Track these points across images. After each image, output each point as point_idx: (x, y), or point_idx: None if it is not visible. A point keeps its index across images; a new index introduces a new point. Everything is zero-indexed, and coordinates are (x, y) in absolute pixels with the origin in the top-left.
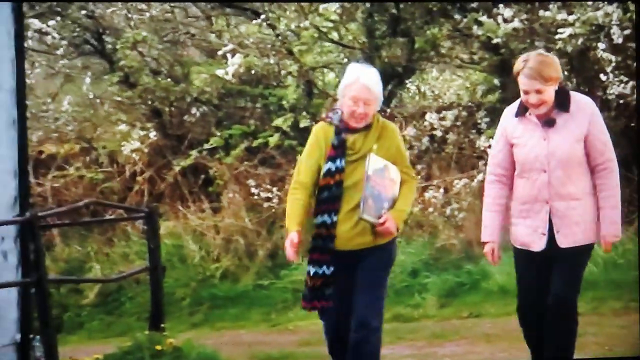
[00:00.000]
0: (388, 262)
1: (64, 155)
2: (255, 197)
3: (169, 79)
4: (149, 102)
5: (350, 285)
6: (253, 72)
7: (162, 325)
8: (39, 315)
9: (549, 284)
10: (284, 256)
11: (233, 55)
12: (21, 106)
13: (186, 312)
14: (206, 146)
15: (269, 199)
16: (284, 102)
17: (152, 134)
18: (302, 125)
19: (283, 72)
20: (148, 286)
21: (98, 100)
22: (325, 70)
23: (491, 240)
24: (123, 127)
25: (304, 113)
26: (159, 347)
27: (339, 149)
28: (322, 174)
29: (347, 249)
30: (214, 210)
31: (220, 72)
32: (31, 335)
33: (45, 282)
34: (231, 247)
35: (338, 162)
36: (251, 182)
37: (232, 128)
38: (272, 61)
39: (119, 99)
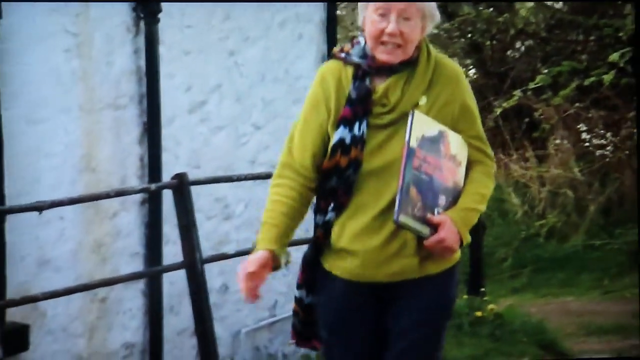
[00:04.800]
0: (447, 303)
1: None
2: (587, 143)
3: (491, 9)
4: (469, 35)
5: (378, 345)
6: None
7: (482, 289)
8: None
9: None
10: (620, 213)
11: None
12: (331, 40)
13: (507, 275)
14: (531, 85)
15: (602, 146)
16: (621, 34)
17: (471, 72)
18: None
19: None
20: (466, 245)
21: None
22: None
23: None
24: None
25: None
26: (479, 314)
27: (358, 105)
28: (329, 148)
29: (373, 280)
30: (539, 159)
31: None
32: None
33: None
34: (558, 201)
35: (357, 127)
36: (582, 126)
37: (561, 64)
38: None
39: (435, 31)
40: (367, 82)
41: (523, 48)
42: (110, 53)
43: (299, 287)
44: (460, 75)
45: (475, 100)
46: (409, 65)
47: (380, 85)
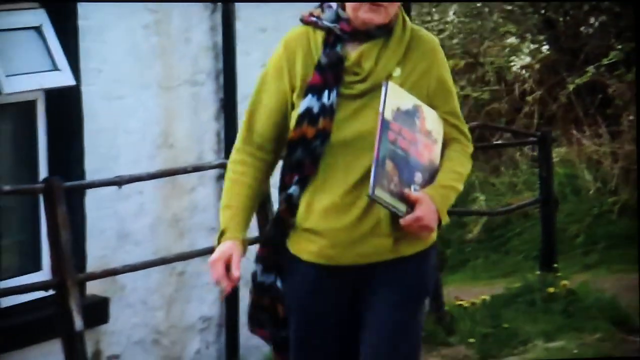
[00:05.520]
0: (422, 286)
1: None
2: None
3: None
4: (542, 11)
5: (352, 333)
6: None
7: (555, 265)
8: None
9: None
10: None
11: None
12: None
13: (579, 251)
14: (605, 61)
15: None
16: None
17: (544, 48)
18: None
19: None
20: (538, 221)
21: (486, 9)
22: None
23: None
24: (512, 39)
25: None
26: (551, 290)
27: (329, 72)
28: (294, 117)
29: (343, 262)
30: (612, 135)
31: None
32: None
33: None
34: (631, 177)
35: (326, 96)
36: None
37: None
38: None
39: (509, 7)
40: (339, 48)
41: (597, 24)
42: (188, 29)
43: (256, 260)
44: (437, 47)
45: (451, 75)
46: (385, 32)
47: (353, 52)
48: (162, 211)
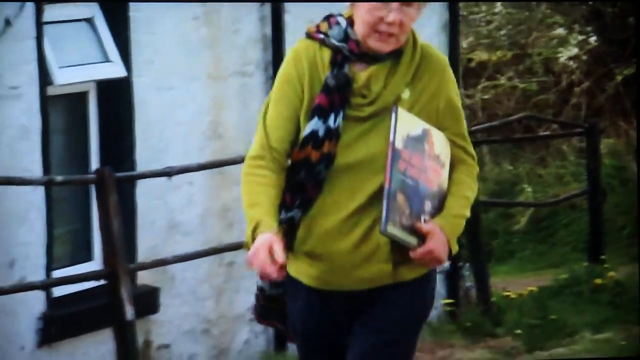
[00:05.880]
0: (421, 311)
1: (495, 63)
2: None
3: None
4: (590, 2)
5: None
6: None
7: (602, 256)
8: (468, 241)
9: None
10: None
11: None
12: (453, 8)
13: (627, 242)
14: None
15: None
16: None
17: (592, 39)
18: None
19: None
20: (585, 212)
21: (534, 2)
22: None
23: None
24: (560, 30)
25: None
26: (598, 281)
27: (336, 94)
28: (300, 139)
29: (341, 288)
30: None
31: None
32: (460, 264)
33: (477, 205)
34: None
35: (332, 119)
36: None
37: None
38: None
39: None
40: (347, 68)
41: None
42: (237, 21)
43: (261, 276)
44: (446, 67)
45: (459, 95)
46: (394, 53)
47: (361, 74)
48: (212, 202)
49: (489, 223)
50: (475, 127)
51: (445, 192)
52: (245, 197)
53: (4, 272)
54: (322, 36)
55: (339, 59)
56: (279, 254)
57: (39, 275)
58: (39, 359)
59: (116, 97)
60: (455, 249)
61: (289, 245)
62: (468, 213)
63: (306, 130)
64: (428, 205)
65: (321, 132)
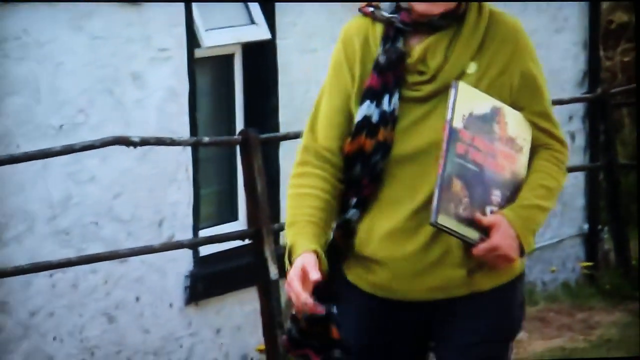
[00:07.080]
0: (507, 328)
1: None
2: None
3: None
4: None
5: None
6: None
7: None
8: (607, 204)
9: None
10: None
11: None
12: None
13: None
14: None
15: None
16: None
17: None
18: None
19: None
20: None
21: None
22: None
23: None
24: None
25: None
26: None
27: (388, 73)
28: (352, 127)
29: (407, 297)
30: None
31: None
32: (599, 226)
33: (616, 168)
34: None
35: (386, 101)
36: None
37: None
38: None
39: None
40: (400, 43)
41: None
42: None
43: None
44: (521, 34)
45: (541, 67)
46: (455, 21)
47: (417, 46)
48: None
49: (629, 186)
50: (614, 90)
51: (522, 181)
52: (290, 211)
53: (154, 230)
54: (372, 10)
55: (391, 33)
56: (312, 274)
57: (186, 234)
58: (186, 316)
59: (261, 59)
60: (529, 246)
61: (346, 247)
62: (549, 204)
63: (357, 115)
64: (496, 195)
65: (375, 118)
